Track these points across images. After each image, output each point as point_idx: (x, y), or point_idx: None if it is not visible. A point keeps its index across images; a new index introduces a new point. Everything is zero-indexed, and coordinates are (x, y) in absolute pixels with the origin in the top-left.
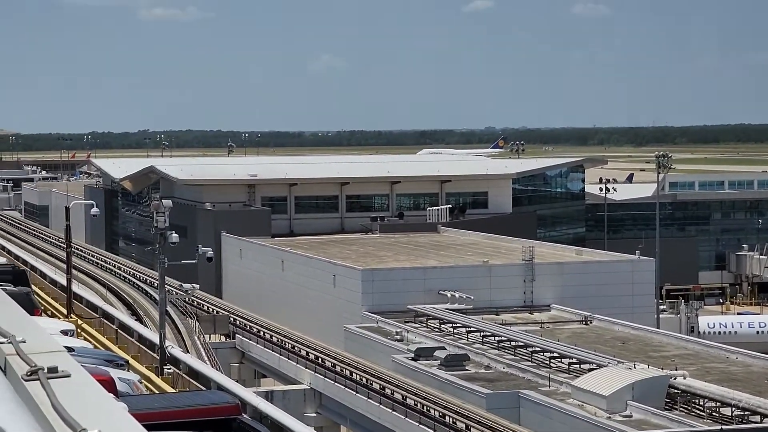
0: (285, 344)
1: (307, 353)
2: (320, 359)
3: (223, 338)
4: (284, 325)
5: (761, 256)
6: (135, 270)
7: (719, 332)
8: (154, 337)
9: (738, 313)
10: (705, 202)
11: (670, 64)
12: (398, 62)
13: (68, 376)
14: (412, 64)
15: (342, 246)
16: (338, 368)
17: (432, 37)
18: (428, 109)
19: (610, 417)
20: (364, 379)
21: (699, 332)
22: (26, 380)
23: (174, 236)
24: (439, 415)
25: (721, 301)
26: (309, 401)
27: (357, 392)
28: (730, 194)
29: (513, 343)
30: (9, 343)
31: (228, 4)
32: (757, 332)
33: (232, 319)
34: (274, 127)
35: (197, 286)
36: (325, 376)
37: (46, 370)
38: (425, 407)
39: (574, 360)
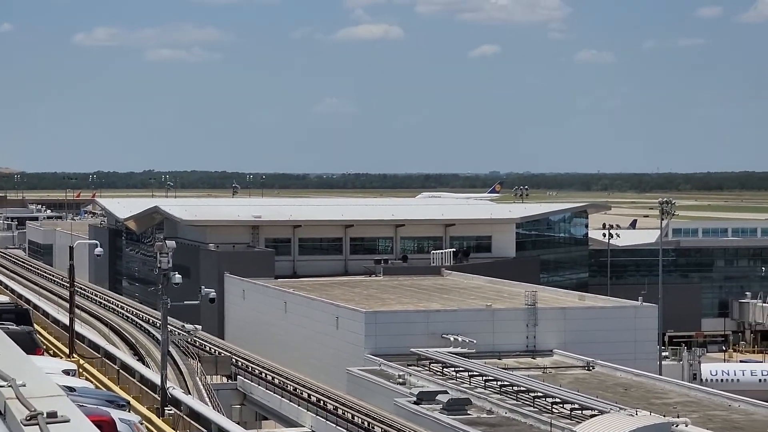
0: (287, 386)
1: (309, 395)
2: (322, 402)
3: (224, 379)
4: (286, 367)
5: (764, 304)
6: (138, 310)
7: (722, 380)
8: (156, 378)
9: (741, 361)
10: (708, 249)
11: (674, 110)
12: (403, 106)
13: (67, 421)
14: (417, 107)
15: (345, 288)
16: (340, 411)
17: (437, 81)
18: (433, 152)
19: None
20: (365, 423)
21: (701, 379)
22: (26, 425)
23: (177, 277)
24: None
25: (723, 348)
26: None
27: None
28: (733, 242)
29: (515, 388)
30: (9, 386)
31: (234, 46)
32: (760, 380)
33: (234, 360)
34: (279, 169)
35: (199, 327)
36: (327, 419)
37: (45, 415)
38: None
39: (576, 406)
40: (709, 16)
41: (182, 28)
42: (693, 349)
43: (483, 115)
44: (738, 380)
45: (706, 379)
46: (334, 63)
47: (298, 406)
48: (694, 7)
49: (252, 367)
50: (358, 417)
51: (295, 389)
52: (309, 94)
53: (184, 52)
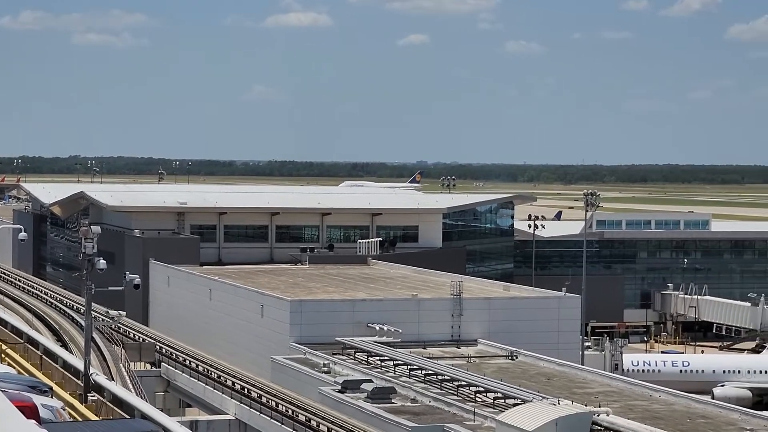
0: (211, 374)
1: (233, 383)
2: (246, 389)
3: (148, 366)
4: (211, 355)
5: (686, 296)
6: (62, 295)
7: (643, 370)
8: (79, 364)
9: (662, 352)
10: (632, 240)
11: (601, 102)
12: (331, 94)
13: None
14: (345, 96)
15: (271, 276)
16: (264, 399)
17: (366, 70)
18: (361, 141)
19: None
20: (290, 411)
21: (623, 370)
22: None
23: (102, 263)
24: None
25: (645, 339)
26: None
27: (282, 424)
28: (656, 233)
29: (439, 377)
30: None
31: (163, 32)
32: (681, 371)
33: (158, 347)
34: (206, 156)
35: (124, 313)
36: (251, 407)
37: None
38: None
39: (499, 395)
40: (635, 9)
41: (110, 13)
42: (615, 339)
43: (411, 104)
44: (659, 371)
45: (628, 370)
46: (263, 50)
47: (222, 393)
48: (622, 0)
49: (176, 354)
50: (283, 405)
51: (219, 377)
52: (237, 81)
53: (112, 37)
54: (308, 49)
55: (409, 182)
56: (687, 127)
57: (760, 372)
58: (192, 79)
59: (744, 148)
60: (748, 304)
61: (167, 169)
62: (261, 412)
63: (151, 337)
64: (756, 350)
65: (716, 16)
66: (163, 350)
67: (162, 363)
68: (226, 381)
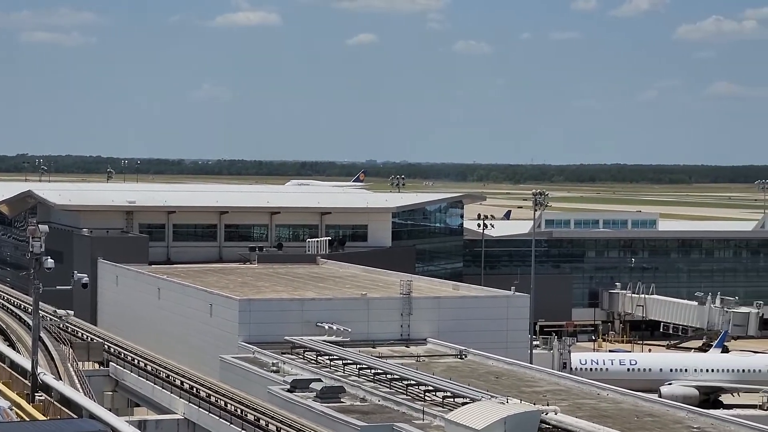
0: (159, 373)
1: (182, 383)
2: (195, 389)
3: (96, 366)
4: (159, 354)
5: (633, 295)
6: (9, 295)
7: (591, 369)
8: (27, 364)
9: (610, 350)
10: (580, 240)
11: (550, 102)
12: (280, 93)
13: None
14: (294, 95)
15: (220, 275)
16: (213, 398)
17: (315, 69)
18: (310, 140)
19: None
20: (238, 410)
21: (571, 368)
22: None
23: (49, 261)
24: None
25: (593, 338)
26: (182, 431)
27: (231, 423)
28: (604, 233)
29: (389, 376)
30: None
31: (112, 30)
32: (628, 369)
33: (106, 346)
34: (154, 155)
35: (72, 312)
36: (200, 407)
37: None
38: None
39: (449, 394)
40: (584, 9)
41: (58, 12)
42: (563, 338)
43: (360, 103)
44: (607, 369)
45: (576, 368)
46: (212, 49)
47: (171, 393)
48: (570, 0)
49: (125, 354)
50: (232, 404)
51: (168, 376)
52: (186, 80)
53: (61, 36)
54: (257, 47)
55: (353, 181)
56: (635, 127)
57: (707, 370)
58: (141, 77)
59: (691, 148)
60: (695, 303)
61: (116, 168)
62: (210, 412)
63: (99, 337)
64: (703, 349)
65: (664, 17)
66: (112, 350)
67: (110, 362)
68: (174, 380)
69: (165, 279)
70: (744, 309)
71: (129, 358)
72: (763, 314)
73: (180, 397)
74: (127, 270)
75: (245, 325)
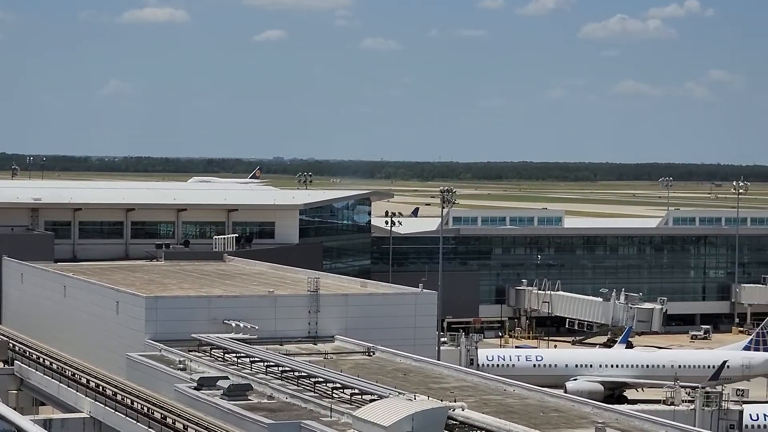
0: (65, 372)
1: (88, 381)
2: (101, 387)
3: (1, 364)
4: (65, 352)
5: (539, 291)
6: None
7: (498, 365)
8: None
9: (516, 347)
10: (487, 237)
11: (457, 100)
12: (187, 89)
13: None
14: (202, 91)
15: (126, 273)
16: (119, 397)
17: (222, 66)
18: (217, 137)
19: None
20: (145, 408)
21: (478, 365)
22: None
23: None
24: None
25: (500, 334)
26: (88, 430)
27: (138, 421)
28: (511, 230)
29: (296, 374)
30: None
31: (19, 26)
32: (534, 365)
33: (11, 344)
34: (60, 151)
35: None
36: (106, 405)
37: None
38: None
39: (356, 391)
40: (492, 7)
41: None
42: (470, 335)
43: (268, 100)
44: (513, 365)
45: (483, 365)
46: (119, 46)
47: (77, 391)
48: None
49: (30, 352)
50: (138, 403)
51: (73, 374)
52: (93, 76)
53: None
54: (165, 44)
55: (250, 178)
56: (541, 125)
57: (611, 366)
58: (47, 73)
59: (596, 145)
60: (599, 299)
61: (21, 165)
62: (116, 410)
63: (3, 335)
64: (607, 344)
65: (570, 15)
66: (17, 348)
67: (15, 361)
68: (80, 379)
69: (71, 277)
70: (648, 305)
71: (34, 356)
72: (666, 310)
73: (86, 396)
74: (32, 268)
75: (152, 323)
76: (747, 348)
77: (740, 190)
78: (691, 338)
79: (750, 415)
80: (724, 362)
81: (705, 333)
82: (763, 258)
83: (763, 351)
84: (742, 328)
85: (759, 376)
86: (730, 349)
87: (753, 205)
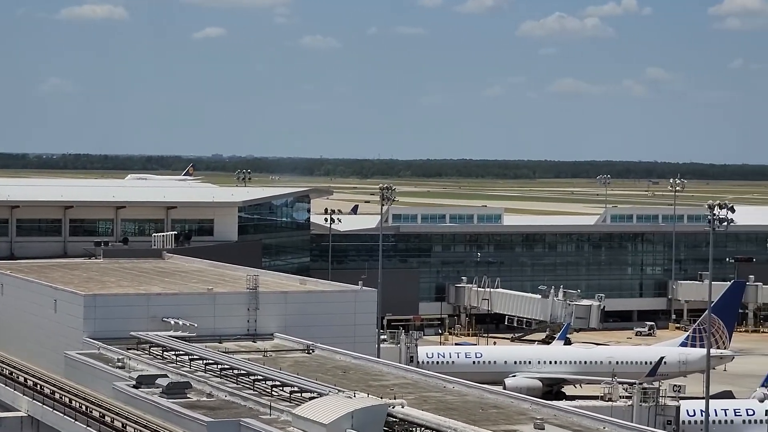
0: (2, 370)
1: (26, 380)
2: (39, 386)
3: None
4: (2, 351)
5: (479, 288)
6: None
7: (437, 362)
8: None
9: (456, 344)
10: (427, 234)
11: (396, 97)
12: (126, 86)
13: None
14: (140, 88)
15: (64, 271)
16: (57, 395)
17: (161, 63)
18: (157, 134)
19: None
20: (83, 407)
21: (418, 362)
22: None
23: None
24: None
25: (440, 331)
26: (26, 429)
27: (76, 420)
28: (450, 227)
29: (235, 372)
30: None
31: None
32: (474, 362)
33: None
34: None
35: None
36: (44, 404)
37: None
38: None
39: (296, 388)
40: (430, 5)
41: None
42: (410, 332)
43: (207, 97)
44: (453, 362)
45: (423, 362)
46: (57, 42)
47: (14, 390)
48: None
49: None
50: (76, 401)
51: (11, 373)
52: (30, 73)
53: None
54: (103, 41)
55: (183, 175)
56: (480, 123)
57: (550, 362)
58: None
59: (535, 143)
60: (538, 296)
61: None
62: (54, 409)
63: None
64: (546, 341)
65: (508, 13)
66: None
67: None
68: (18, 377)
69: (8, 275)
70: (586, 302)
71: None
72: (604, 307)
73: (23, 395)
74: None
75: (90, 321)
76: (684, 344)
77: (677, 188)
78: (636, 334)
79: (687, 410)
80: (661, 358)
81: (649, 329)
82: (699, 255)
83: (700, 347)
84: (678, 325)
85: (695, 372)
86: (667, 346)
87: (690, 203)
